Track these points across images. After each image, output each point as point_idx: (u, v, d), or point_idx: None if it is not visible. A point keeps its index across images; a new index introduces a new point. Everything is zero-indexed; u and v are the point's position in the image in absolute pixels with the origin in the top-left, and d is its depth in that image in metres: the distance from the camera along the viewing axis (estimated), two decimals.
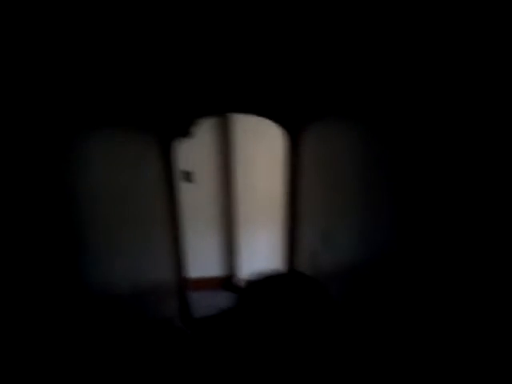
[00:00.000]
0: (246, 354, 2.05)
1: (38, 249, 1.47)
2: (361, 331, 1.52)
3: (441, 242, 0.98)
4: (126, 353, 1.87)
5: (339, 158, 1.79)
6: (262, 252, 3.84)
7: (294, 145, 2.51)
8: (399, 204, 1.20)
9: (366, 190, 1.49)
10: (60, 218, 1.60)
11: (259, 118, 2.51)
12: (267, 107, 2.39)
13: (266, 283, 2.57)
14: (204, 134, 3.66)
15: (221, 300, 3.69)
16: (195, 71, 2.09)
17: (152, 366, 2.05)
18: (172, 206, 2.62)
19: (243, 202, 3.73)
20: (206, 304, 3.58)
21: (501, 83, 0.79)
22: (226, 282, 3.97)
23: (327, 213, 1.97)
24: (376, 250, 1.37)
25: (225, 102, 2.31)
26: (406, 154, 1.18)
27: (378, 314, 1.37)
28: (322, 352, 1.69)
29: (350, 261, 1.65)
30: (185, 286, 2.81)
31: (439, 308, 1.01)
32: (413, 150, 1.14)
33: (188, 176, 3.73)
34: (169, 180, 2.53)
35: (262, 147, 3.63)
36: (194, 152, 3.71)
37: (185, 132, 2.37)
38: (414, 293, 1.11)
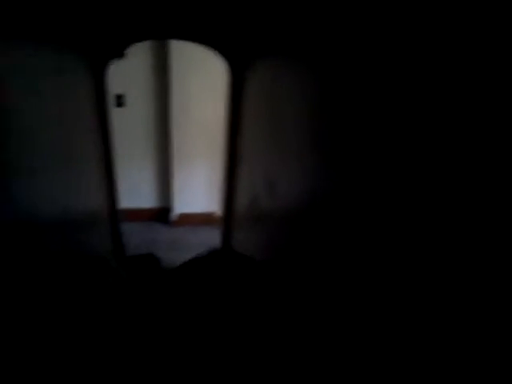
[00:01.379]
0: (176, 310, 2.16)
1: None
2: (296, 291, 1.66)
3: (381, 189, 1.05)
4: (54, 289, 1.81)
5: (285, 101, 1.75)
6: (198, 187, 3.84)
7: (237, 81, 2.39)
8: (344, 152, 1.23)
9: (311, 136, 1.50)
10: None
11: (202, 47, 2.31)
12: (211, 35, 2.18)
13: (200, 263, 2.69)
14: (138, 55, 3.30)
15: (155, 232, 3.71)
16: None
17: (82, 305, 2.03)
18: (103, 134, 2.42)
19: (179, 132, 3.56)
20: (139, 236, 3.58)
21: None
22: (161, 214, 3.97)
23: (271, 158, 1.98)
24: (318, 197, 1.43)
25: (164, 25, 2.05)
26: (348, 101, 1.19)
27: (319, 261, 1.48)
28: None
29: (294, 209, 1.71)
30: (117, 217, 2.75)
31: (379, 254, 1.08)
32: (355, 97, 1.16)
33: (119, 100, 3.41)
34: (100, 105, 2.30)
35: (202, 79, 3.40)
36: (127, 74, 3.35)
37: (118, 54, 2.10)
38: (353, 240, 1.20)
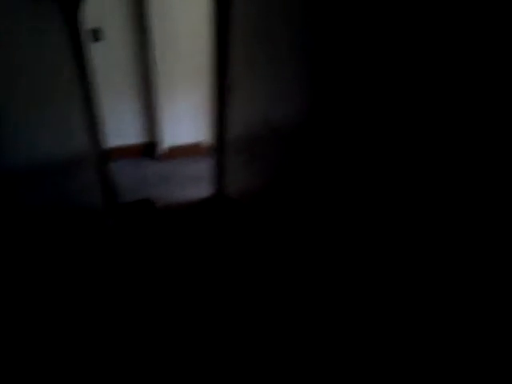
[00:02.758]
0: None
1: None
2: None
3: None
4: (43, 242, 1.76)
5: (279, 20, 1.57)
6: (186, 117, 3.66)
7: (222, 1, 2.12)
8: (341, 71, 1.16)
9: (308, 63, 1.40)
10: None
11: None
12: None
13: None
14: None
15: (144, 168, 3.64)
16: None
17: (72, 258, 2.02)
18: (82, 71, 2.19)
19: (162, 62, 3.27)
20: (129, 173, 3.51)
21: None
22: (148, 149, 3.85)
23: (265, 83, 1.85)
24: (313, 122, 1.39)
25: None
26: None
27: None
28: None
29: (289, 134, 1.67)
30: (105, 158, 2.65)
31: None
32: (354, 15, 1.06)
33: (96, 34, 3.03)
34: (76, 41, 2.04)
35: (184, 1, 3.03)
36: (101, 5, 2.95)
37: None
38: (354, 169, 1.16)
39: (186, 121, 3.68)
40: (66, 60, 2.02)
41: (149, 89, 3.50)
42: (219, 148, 2.74)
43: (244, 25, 2.01)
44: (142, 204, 2.87)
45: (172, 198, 3.06)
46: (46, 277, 1.65)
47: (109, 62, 3.21)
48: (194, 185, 3.29)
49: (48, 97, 1.89)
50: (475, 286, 0.64)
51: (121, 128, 3.61)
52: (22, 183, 1.65)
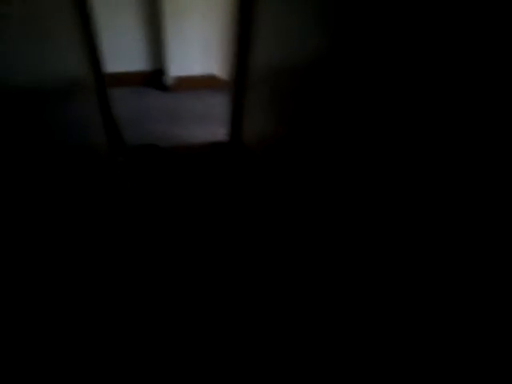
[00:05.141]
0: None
1: None
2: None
3: None
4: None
5: None
6: (196, 45, 3.14)
7: None
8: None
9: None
10: None
11: None
12: None
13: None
14: None
15: (149, 100, 3.22)
16: None
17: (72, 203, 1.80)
18: None
19: None
20: (131, 105, 3.11)
21: None
22: (154, 77, 3.39)
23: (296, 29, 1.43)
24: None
25: None
26: None
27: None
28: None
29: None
30: (105, 88, 2.26)
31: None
32: None
33: None
34: None
35: None
36: None
37: None
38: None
39: (197, 49, 3.17)
40: None
41: (153, 10, 2.95)
42: (238, 83, 2.33)
43: None
44: (149, 149, 2.52)
45: (180, 138, 2.72)
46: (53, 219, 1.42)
47: None
48: (205, 124, 2.92)
49: (35, 19, 1.46)
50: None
51: (122, 52, 3.12)
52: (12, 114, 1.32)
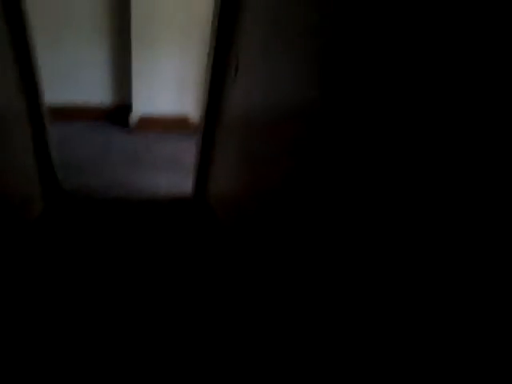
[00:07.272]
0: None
1: None
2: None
3: None
4: None
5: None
6: (167, 81, 2.79)
7: None
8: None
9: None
10: None
11: None
12: None
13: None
14: None
15: (108, 139, 2.78)
16: None
17: None
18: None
19: (140, 8, 2.42)
20: (87, 144, 2.66)
21: None
22: (115, 113, 2.98)
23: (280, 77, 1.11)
24: None
25: None
26: None
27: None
28: None
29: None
30: (43, 121, 1.82)
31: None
32: None
33: None
34: None
35: None
36: None
37: None
38: None
39: (168, 85, 2.82)
40: None
41: (119, 39, 2.62)
42: (207, 131, 1.95)
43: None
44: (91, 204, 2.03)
45: (137, 188, 2.26)
46: None
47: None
48: (172, 172, 2.49)
49: None
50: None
51: (80, 79, 2.73)
52: None
